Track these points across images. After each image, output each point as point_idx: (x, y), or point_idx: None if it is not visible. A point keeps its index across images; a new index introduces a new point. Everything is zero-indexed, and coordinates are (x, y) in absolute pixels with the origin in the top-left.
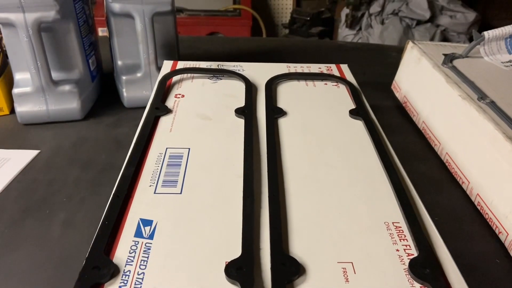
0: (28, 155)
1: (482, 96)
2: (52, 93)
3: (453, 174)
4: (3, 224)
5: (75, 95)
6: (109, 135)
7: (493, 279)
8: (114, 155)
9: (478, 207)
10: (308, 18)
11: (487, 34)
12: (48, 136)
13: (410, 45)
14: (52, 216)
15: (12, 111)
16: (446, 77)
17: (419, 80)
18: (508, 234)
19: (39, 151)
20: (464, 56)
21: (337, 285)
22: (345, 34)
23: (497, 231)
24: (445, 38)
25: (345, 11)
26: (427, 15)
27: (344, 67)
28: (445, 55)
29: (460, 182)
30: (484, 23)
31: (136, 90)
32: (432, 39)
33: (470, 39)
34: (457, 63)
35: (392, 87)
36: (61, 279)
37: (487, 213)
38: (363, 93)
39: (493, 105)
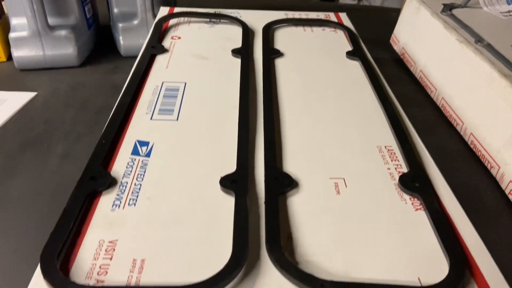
0: (25, 96)
1: (479, 39)
2: (48, 37)
3: (448, 117)
4: (1, 156)
5: (71, 40)
6: (106, 81)
7: (484, 208)
8: (111, 98)
9: (471, 146)
10: None
11: None
12: (45, 81)
13: None
14: (50, 150)
15: (9, 58)
16: (445, 23)
17: (418, 29)
18: (499, 167)
19: (36, 93)
20: (463, 6)
21: (328, 196)
22: (346, 1)
23: (488, 166)
24: None
25: None
26: None
27: (343, 15)
28: (444, 4)
29: (455, 124)
30: None
31: (132, 38)
32: None
33: None
34: (456, 12)
35: (390, 40)
36: (58, 206)
37: (479, 151)
38: None
39: (489, 47)
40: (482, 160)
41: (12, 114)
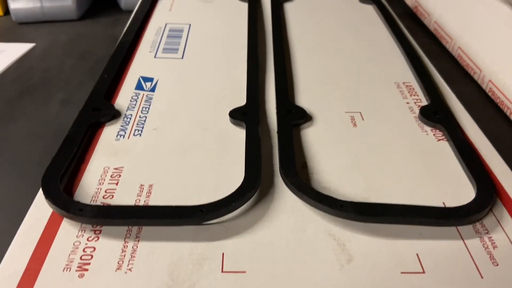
0: (23, 47)
1: None
2: None
3: (465, 66)
4: (0, 101)
5: None
6: (106, 33)
7: (505, 156)
8: (111, 49)
9: (490, 94)
10: None
11: None
12: (44, 33)
13: None
14: (50, 97)
15: (6, 12)
16: None
17: None
18: None
19: (34, 44)
20: None
21: (344, 128)
22: None
23: (508, 113)
24: None
25: None
26: None
27: None
28: None
29: (472, 73)
30: None
31: None
32: None
33: None
34: None
35: None
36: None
37: (498, 97)
38: None
39: None
40: (501, 106)
41: (10, 63)
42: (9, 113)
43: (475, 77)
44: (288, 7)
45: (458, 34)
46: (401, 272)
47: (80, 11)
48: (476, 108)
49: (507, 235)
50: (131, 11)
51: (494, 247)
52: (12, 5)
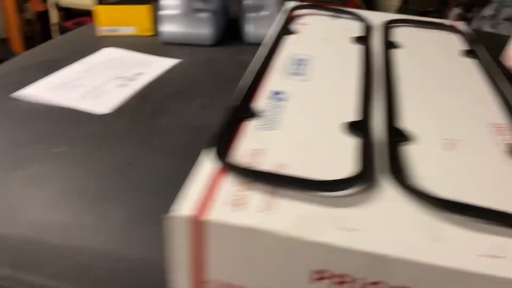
0: (169, 61)
1: None
2: (191, 18)
3: None
4: (153, 100)
5: (210, 22)
6: (234, 59)
7: None
8: (238, 72)
9: None
10: None
11: None
12: (185, 53)
13: None
14: (192, 101)
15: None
16: None
17: None
18: None
19: (179, 60)
20: None
21: (442, 150)
22: None
23: None
24: None
25: (455, 11)
26: None
27: (459, 24)
28: None
29: None
30: None
31: (260, 28)
32: None
33: None
34: None
35: (502, 58)
36: (203, 140)
37: None
38: None
39: None
40: None
41: (162, 72)
42: (159, 110)
43: None
44: (397, 53)
45: None
46: None
47: (215, 38)
48: None
49: None
50: (254, 44)
51: None
52: (161, 28)
